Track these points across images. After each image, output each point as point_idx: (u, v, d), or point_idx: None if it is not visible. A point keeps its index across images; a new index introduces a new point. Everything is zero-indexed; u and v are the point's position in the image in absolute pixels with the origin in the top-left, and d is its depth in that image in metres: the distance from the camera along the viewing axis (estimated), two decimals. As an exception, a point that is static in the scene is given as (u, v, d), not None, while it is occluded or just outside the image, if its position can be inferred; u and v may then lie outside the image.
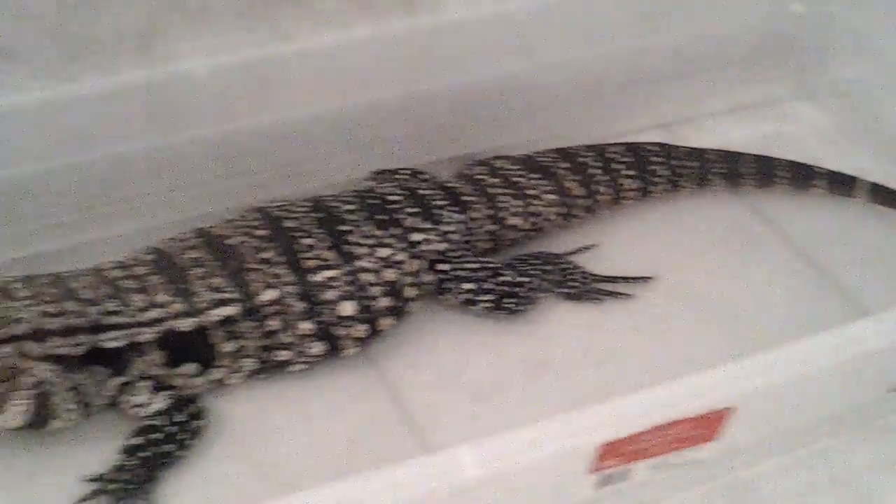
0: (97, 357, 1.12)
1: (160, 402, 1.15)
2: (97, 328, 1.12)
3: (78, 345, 1.11)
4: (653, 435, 1.01)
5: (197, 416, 1.16)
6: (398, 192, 1.31)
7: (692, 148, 1.46)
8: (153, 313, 1.14)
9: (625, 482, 1.06)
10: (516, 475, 0.97)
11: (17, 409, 1.09)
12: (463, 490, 0.95)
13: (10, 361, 1.07)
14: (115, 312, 1.13)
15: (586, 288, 1.34)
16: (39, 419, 1.11)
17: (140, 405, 1.15)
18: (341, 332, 1.21)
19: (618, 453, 1.01)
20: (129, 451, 1.13)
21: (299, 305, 1.19)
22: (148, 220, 1.35)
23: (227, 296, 1.17)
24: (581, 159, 1.40)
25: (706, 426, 1.04)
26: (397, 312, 1.25)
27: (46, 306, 1.10)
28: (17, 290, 1.11)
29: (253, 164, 1.38)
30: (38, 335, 1.09)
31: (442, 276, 1.28)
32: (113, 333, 1.13)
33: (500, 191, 1.35)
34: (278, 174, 1.39)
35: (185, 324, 1.15)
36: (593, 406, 0.98)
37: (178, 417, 1.14)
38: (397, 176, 1.38)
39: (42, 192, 1.29)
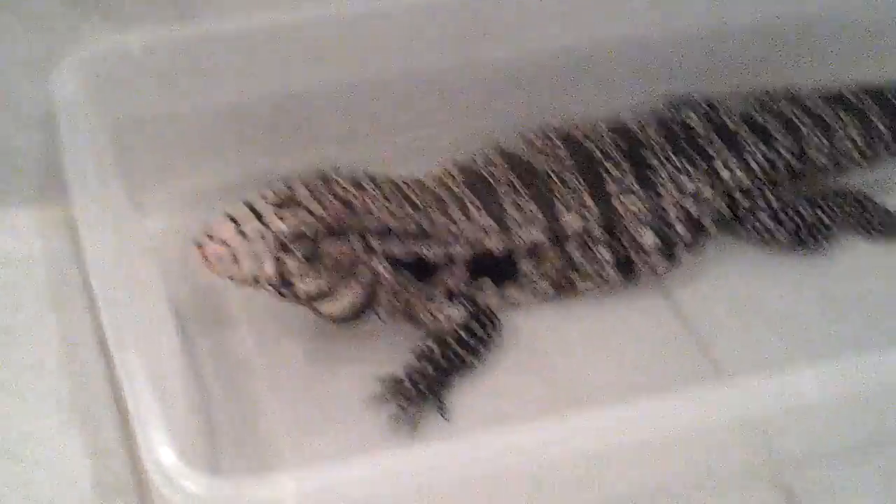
0: (407, 264, 1.14)
1: (458, 312, 1.16)
2: (424, 236, 1.14)
3: (409, 250, 1.13)
4: None
5: (493, 327, 1.16)
6: (703, 122, 1.29)
7: None
8: (471, 231, 1.16)
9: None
10: (843, 403, 0.97)
11: (349, 298, 1.10)
12: (788, 414, 0.95)
13: (355, 252, 1.09)
14: (439, 225, 1.15)
15: (887, 227, 1.30)
16: (358, 313, 1.12)
17: (437, 313, 1.16)
18: (640, 261, 1.20)
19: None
20: (424, 356, 1.14)
21: (601, 234, 1.19)
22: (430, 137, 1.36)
23: (535, 220, 1.17)
24: (890, 98, 1.35)
25: None
26: (696, 245, 1.23)
27: (393, 205, 1.13)
28: (366, 186, 1.13)
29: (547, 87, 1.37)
30: (383, 232, 1.11)
31: (741, 210, 1.26)
32: (435, 245, 1.14)
33: (806, 127, 1.31)
34: (568, 100, 1.37)
35: (498, 244, 1.16)
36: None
37: (475, 328, 1.15)
38: (695, 105, 1.35)
39: (335, 104, 1.31)
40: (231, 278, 1.05)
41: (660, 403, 0.92)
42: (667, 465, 0.99)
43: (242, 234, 1.04)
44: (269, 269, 1.05)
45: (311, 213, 1.06)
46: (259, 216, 1.05)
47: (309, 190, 1.08)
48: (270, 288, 1.07)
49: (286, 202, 1.06)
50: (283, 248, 1.05)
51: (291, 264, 1.06)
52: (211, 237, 1.04)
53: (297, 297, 1.08)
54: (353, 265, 1.09)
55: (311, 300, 1.09)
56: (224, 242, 1.03)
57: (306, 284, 1.07)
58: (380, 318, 1.14)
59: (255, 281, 1.06)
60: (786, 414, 0.98)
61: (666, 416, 0.93)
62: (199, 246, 1.04)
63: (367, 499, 0.87)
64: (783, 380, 0.95)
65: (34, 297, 1.23)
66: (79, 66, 1.16)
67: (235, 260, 1.04)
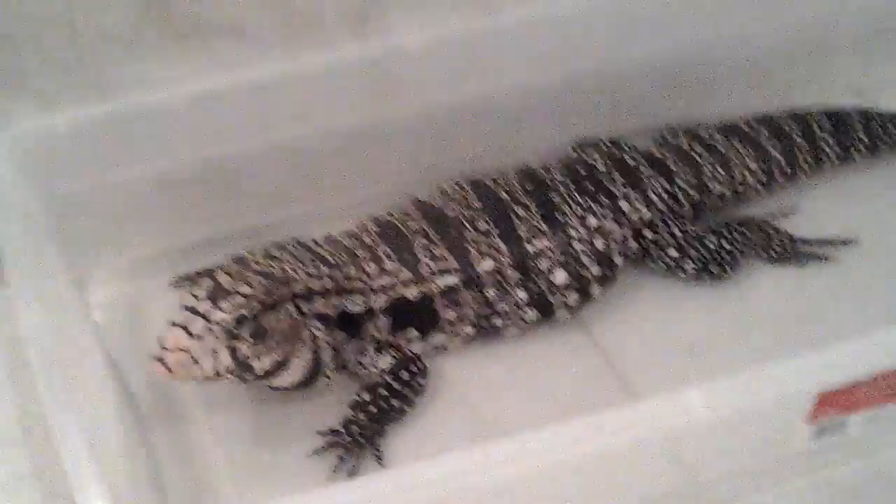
0: (339, 322, 1.20)
1: (386, 361, 1.22)
2: (343, 291, 1.20)
3: (334, 306, 1.19)
4: (870, 385, 1.03)
5: (420, 373, 1.22)
6: (605, 161, 1.35)
7: (892, 112, 1.47)
8: (384, 280, 1.22)
9: (839, 435, 1.09)
10: (741, 419, 1.02)
11: (300, 365, 1.16)
12: (687, 433, 1.01)
13: (293, 317, 1.15)
14: (354, 278, 1.21)
15: (790, 251, 1.36)
16: (310, 377, 1.18)
17: (367, 365, 1.23)
18: (554, 299, 1.27)
19: (834, 403, 1.04)
20: (358, 406, 1.20)
21: (515, 274, 1.25)
22: (356, 193, 1.41)
23: (449, 266, 1.23)
24: (782, 126, 1.43)
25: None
26: (606, 279, 1.30)
27: (309, 267, 1.18)
28: (278, 254, 1.19)
29: (460, 138, 1.43)
30: (307, 295, 1.17)
31: (647, 243, 1.33)
32: (355, 298, 1.21)
33: (703, 159, 1.38)
34: (484, 148, 1.44)
35: (412, 291, 1.22)
36: (813, 352, 1.02)
37: (403, 375, 1.21)
38: (600, 146, 1.42)
39: (260, 167, 1.37)
40: (195, 379, 1.10)
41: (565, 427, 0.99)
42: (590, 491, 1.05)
43: (193, 336, 1.09)
44: (226, 359, 1.10)
45: (242, 295, 1.12)
46: (200, 314, 1.10)
47: (230, 275, 1.14)
48: (231, 376, 1.12)
49: (216, 293, 1.12)
50: (232, 335, 1.10)
51: (244, 348, 1.11)
52: (167, 348, 1.08)
53: (257, 377, 1.14)
54: (296, 330, 1.15)
55: (269, 376, 1.15)
56: (181, 349, 1.08)
57: (262, 362, 1.12)
58: (329, 378, 1.20)
59: (217, 374, 1.11)
60: (696, 433, 1.03)
61: (575, 439, 0.99)
62: (160, 360, 1.08)
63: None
64: (686, 398, 1.00)
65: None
66: (7, 147, 1.22)
67: (195, 361, 1.08)
